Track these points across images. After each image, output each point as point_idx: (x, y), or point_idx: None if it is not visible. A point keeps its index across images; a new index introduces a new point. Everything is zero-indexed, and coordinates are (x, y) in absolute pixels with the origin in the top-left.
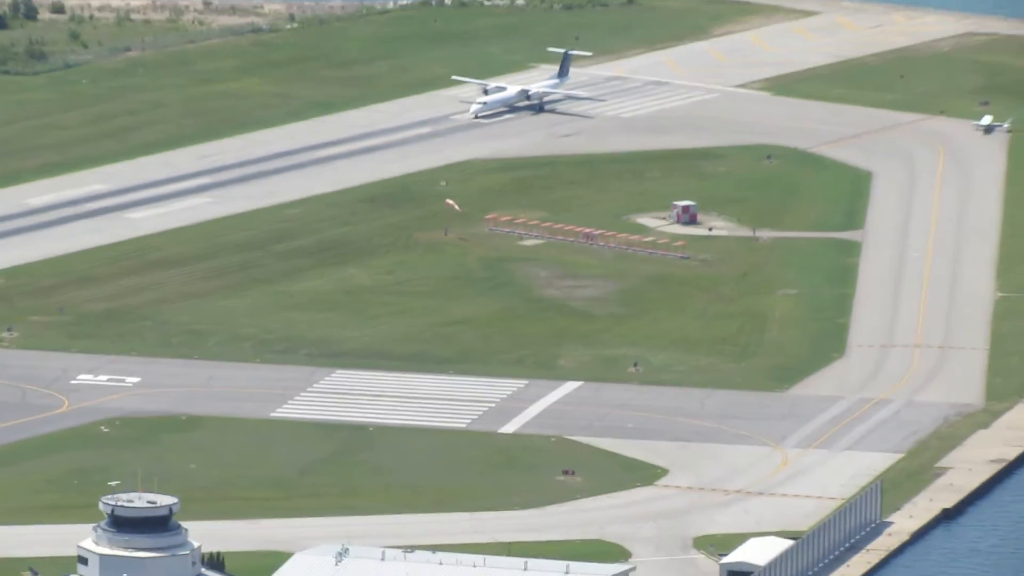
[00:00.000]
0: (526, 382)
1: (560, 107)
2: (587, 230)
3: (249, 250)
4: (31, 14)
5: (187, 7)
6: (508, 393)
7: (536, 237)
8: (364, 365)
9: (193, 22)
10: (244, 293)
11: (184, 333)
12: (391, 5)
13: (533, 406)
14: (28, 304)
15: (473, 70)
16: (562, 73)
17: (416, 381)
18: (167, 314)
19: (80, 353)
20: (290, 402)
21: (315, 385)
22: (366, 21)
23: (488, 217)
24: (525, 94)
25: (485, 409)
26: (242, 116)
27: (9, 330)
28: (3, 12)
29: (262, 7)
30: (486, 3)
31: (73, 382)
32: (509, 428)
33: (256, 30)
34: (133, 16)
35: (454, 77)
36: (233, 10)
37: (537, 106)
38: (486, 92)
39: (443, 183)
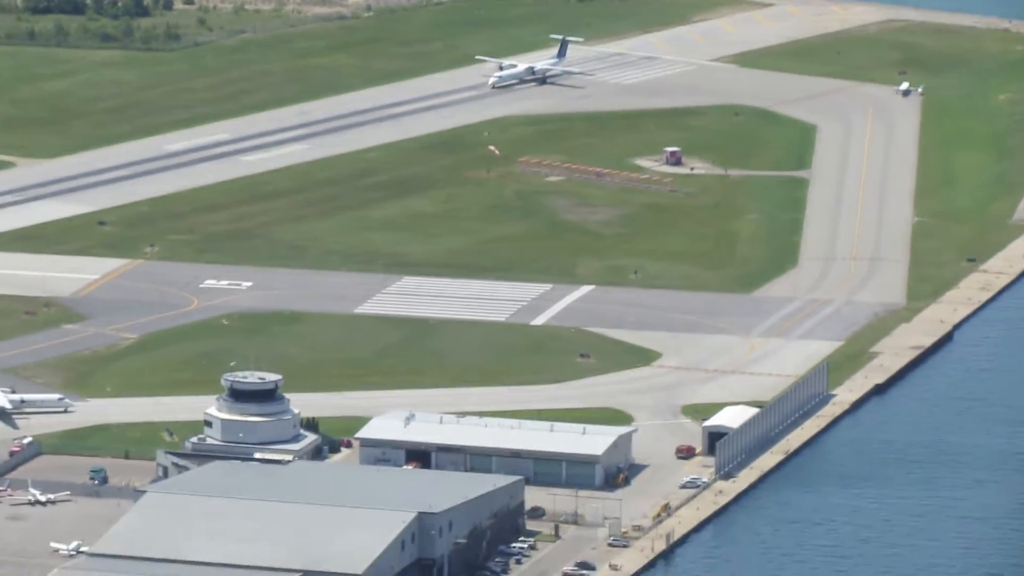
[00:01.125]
0: (551, 286)
1: (559, 80)
2: (597, 169)
3: (337, 184)
4: (168, 5)
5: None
6: (537, 294)
7: (558, 175)
8: (426, 272)
9: (293, 11)
10: (333, 218)
11: (287, 248)
12: None
13: (557, 304)
14: (167, 226)
15: (506, 48)
16: (561, 54)
17: (466, 285)
18: (274, 233)
19: (206, 264)
20: (369, 301)
21: (388, 288)
22: (426, 10)
23: (520, 159)
24: (531, 70)
25: (519, 306)
26: (332, 82)
27: (152, 246)
28: (147, 3)
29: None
30: None
31: (201, 286)
32: (538, 321)
33: (342, 17)
34: (247, 6)
35: (477, 57)
36: (324, 1)
37: (540, 79)
38: (501, 68)
39: (486, 134)
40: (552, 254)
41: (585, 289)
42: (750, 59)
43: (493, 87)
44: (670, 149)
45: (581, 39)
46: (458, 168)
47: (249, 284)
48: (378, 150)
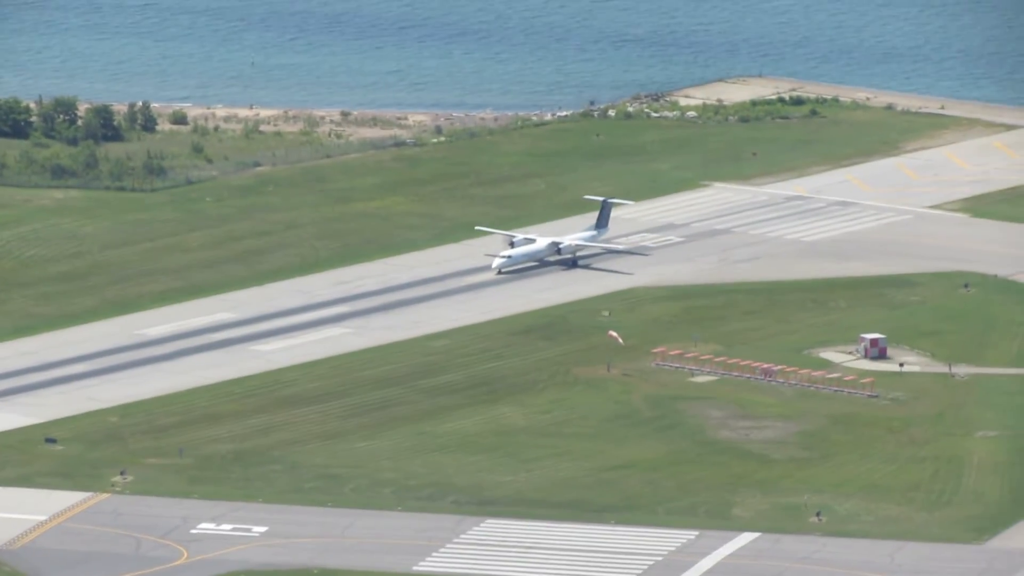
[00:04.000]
0: (696, 533)
1: (596, 263)
2: (765, 365)
3: (391, 386)
4: (150, 125)
5: (323, 118)
6: (677, 545)
7: (708, 373)
8: (517, 514)
9: (329, 134)
10: (385, 433)
11: (318, 477)
12: (548, 117)
13: (704, 560)
14: (144, 445)
15: (637, 190)
16: (600, 224)
17: (574, 532)
18: (299, 456)
19: (201, 499)
20: (435, 554)
21: (462, 536)
22: (520, 134)
23: (655, 351)
24: (556, 247)
25: (651, 563)
26: (383, 238)
27: (123, 474)
28: (119, 123)
29: (406, 118)
30: (653, 115)
31: (193, 531)
32: None
33: (399, 144)
34: (263, 128)
35: (477, 227)
36: (374, 121)
37: (570, 261)
38: (512, 245)
39: (605, 313)
40: (699, 487)
41: (746, 538)
42: (986, 205)
43: (499, 272)
44: (870, 336)
45: (631, 202)
46: (564, 363)
47: (262, 530)
48: (449, 336)
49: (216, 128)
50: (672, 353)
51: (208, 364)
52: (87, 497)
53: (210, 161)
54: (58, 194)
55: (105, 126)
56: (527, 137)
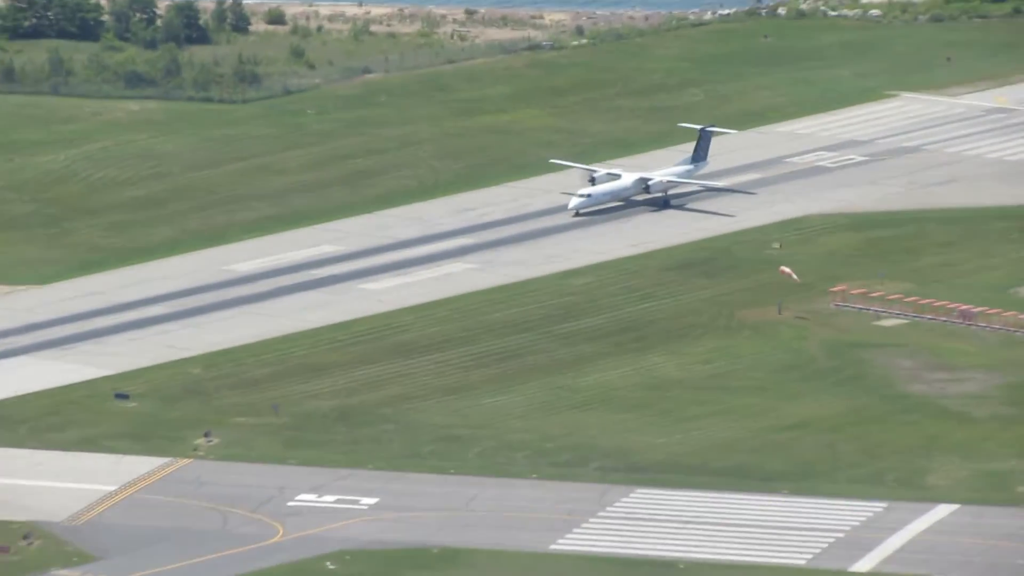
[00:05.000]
0: (885, 504)
1: (691, 203)
2: (964, 307)
3: (522, 332)
4: (241, 25)
5: (444, 17)
6: (861, 520)
7: (897, 316)
8: (671, 483)
9: (452, 36)
10: (515, 387)
11: (437, 440)
12: (708, 16)
13: (894, 537)
14: (232, 401)
15: (812, 101)
16: (697, 157)
17: (739, 503)
18: (415, 415)
19: (300, 466)
20: (576, 530)
21: (608, 508)
22: (675, 36)
23: (834, 290)
24: (644, 184)
25: (831, 540)
26: (515, 158)
27: (207, 436)
28: (205, 23)
29: (541, 17)
30: (831, 13)
31: (290, 504)
32: (863, 566)
33: (533, 47)
34: (373, 28)
35: (552, 160)
36: (504, 21)
37: (662, 200)
38: (592, 181)
39: (775, 245)
40: (887, 451)
41: (943, 510)
42: None
43: (577, 214)
44: None
45: (733, 131)
46: (723, 304)
47: (371, 502)
48: (590, 272)
49: (319, 29)
50: (854, 292)
51: (308, 305)
52: (164, 463)
53: (312, 67)
54: (133, 106)
55: (189, 26)
56: (683, 39)
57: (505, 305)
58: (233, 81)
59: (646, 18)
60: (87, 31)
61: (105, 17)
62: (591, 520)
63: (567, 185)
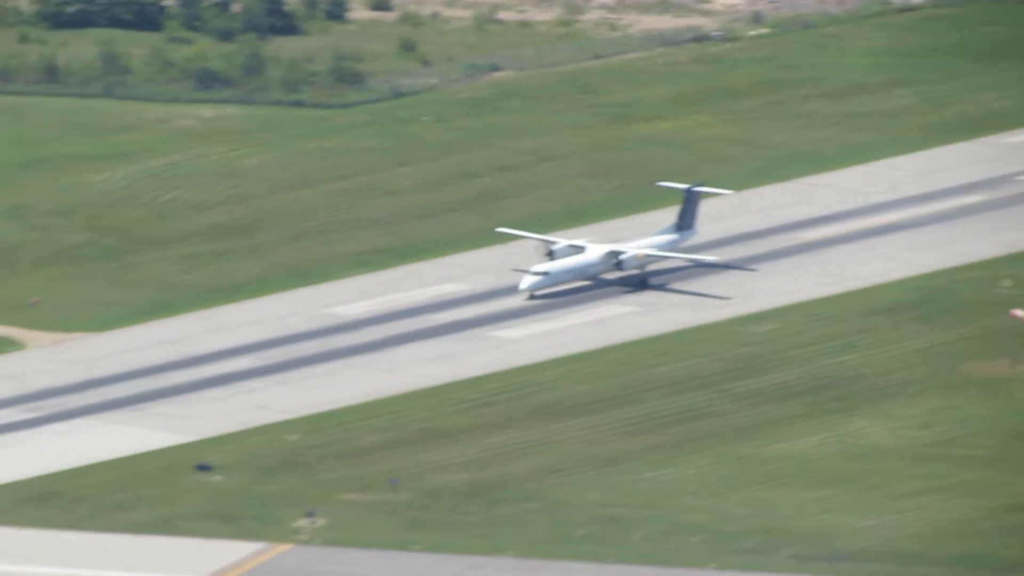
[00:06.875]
0: None
1: (675, 282)
2: None
3: (694, 390)
4: (338, 12)
5: (589, 1)
6: None
7: None
8: (884, 573)
9: (599, 25)
10: (687, 457)
11: (592, 521)
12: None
13: None
14: (339, 474)
15: None
16: (683, 224)
17: None
18: (564, 491)
19: (426, 552)
20: None
21: None
22: (876, 25)
23: None
24: (614, 258)
25: None
26: (680, 174)
27: (309, 516)
28: (293, 10)
29: (710, 1)
30: None
31: None
32: None
33: (701, 38)
34: (502, 15)
35: (498, 229)
36: (664, 6)
37: (638, 279)
38: (551, 255)
39: (1006, 283)
40: None
41: None
42: None
43: (531, 296)
44: None
45: (728, 191)
46: (943, 356)
47: None
48: (776, 316)
49: (434, 16)
50: None
51: (428, 358)
52: (258, 549)
53: (426, 64)
54: (206, 111)
55: (273, 13)
56: (886, 28)
57: (672, 357)
58: (330, 81)
59: (839, 2)
60: (146, 19)
61: (169, 2)
62: None
63: (749, 209)
